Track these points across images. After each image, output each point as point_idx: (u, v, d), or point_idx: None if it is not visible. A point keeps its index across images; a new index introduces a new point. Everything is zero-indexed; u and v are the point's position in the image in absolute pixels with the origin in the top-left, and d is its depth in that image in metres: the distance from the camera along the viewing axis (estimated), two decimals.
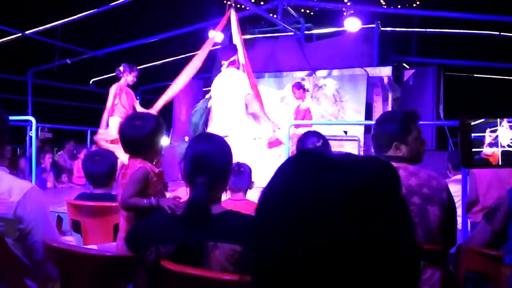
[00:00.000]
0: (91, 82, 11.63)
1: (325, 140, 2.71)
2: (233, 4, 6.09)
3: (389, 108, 8.27)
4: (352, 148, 7.09)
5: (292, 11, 9.27)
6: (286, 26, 8.86)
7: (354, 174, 0.56)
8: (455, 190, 3.18)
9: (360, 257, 0.53)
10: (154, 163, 2.14)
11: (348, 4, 9.42)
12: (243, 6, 8.22)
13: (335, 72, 8.10)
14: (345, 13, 9.37)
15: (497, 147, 1.55)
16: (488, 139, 1.55)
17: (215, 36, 6.46)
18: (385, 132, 2.02)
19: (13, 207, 1.62)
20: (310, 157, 0.62)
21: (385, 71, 7.88)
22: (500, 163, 1.57)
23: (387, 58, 8.93)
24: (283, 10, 9.03)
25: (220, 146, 1.62)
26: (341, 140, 7.41)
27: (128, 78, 5.69)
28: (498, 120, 1.55)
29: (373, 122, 2.69)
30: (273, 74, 8.66)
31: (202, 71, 6.80)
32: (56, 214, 3.29)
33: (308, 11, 10.35)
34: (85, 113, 11.94)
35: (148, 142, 2.09)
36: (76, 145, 8.58)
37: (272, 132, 4.66)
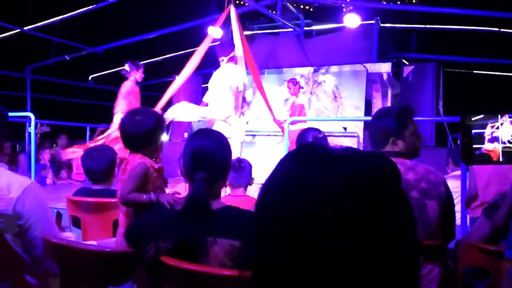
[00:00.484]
0: (90, 79, 11.61)
1: (325, 137, 2.71)
2: (232, 0, 6.08)
3: (389, 104, 8.26)
4: (351, 144, 7.08)
5: (291, 7, 9.26)
6: (286, 22, 8.85)
7: (355, 168, 0.56)
8: (455, 185, 3.19)
9: (361, 251, 0.52)
10: (154, 159, 2.14)
11: (348, 0, 9.39)
12: (242, 2, 8.21)
13: (335, 68, 8.09)
14: (344, 9, 9.36)
15: (498, 142, 1.55)
16: (493, 135, 1.55)
17: (214, 32, 6.45)
18: (382, 128, 2.02)
19: (12, 203, 1.62)
20: (310, 151, 0.61)
21: (385, 67, 7.87)
22: (501, 160, 1.57)
23: (386, 54, 8.93)
24: (282, 6, 9.01)
25: (219, 142, 1.62)
26: (341, 136, 7.41)
27: (137, 75, 5.64)
28: (499, 116, 1.55)
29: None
30: (273, 71, 8.65)
31: (201, 67, 6.80)
32: (56, 210, 3.29)
33: (307, 7, 10.34)
34: (84, 109, 11.93)
35: (149, 138, 2.09)
36: (75, 142, 8.57)
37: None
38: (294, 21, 9.28)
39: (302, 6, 10.04)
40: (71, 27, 8.96)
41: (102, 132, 8.50)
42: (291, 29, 9.18)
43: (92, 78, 11.62)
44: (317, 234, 0.52)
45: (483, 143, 1.57)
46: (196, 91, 9.25)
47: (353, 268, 0.52)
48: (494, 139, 1.55)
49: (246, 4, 8.17)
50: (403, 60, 10.09)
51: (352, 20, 8.11)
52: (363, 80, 7.71)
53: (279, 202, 0.57)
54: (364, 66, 7.77)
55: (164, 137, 2.49)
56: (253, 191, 2.75)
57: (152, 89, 11.90)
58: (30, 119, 4.87)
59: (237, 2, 8.27)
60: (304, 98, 7.01)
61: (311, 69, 8.19)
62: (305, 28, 9.50)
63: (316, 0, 9.73)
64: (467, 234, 2.19)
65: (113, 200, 2.60)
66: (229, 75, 4.59)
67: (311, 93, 8.06)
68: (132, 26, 9.67)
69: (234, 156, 1.99)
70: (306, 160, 0.59)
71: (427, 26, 9.77)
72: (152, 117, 2.10)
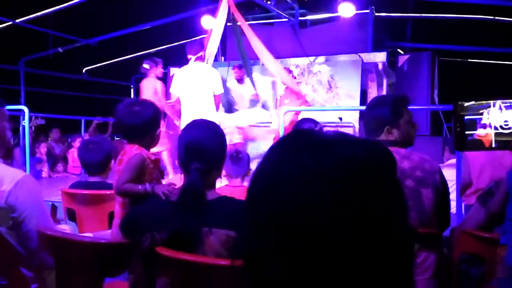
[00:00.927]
0: (84, 71, 11.54)
1: (321, 128, 2.72)
2: None
3: (384, 94, 8.25)
4: None
5: None
6: (280, 12, 8.79)
7: (350, 154, 0.54)
8: (450, 174, 3.19)
9: (356, 239, 0.51)
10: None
11: None
12: None
13: (330, 58, 8.06)
14: None
15: (491, 128, 1.55)
16: (486, 121, 1.55)
17: (208, 23, 6.45)
18: (377, 117, 2.02)
19: (4, 196, 1.62)
20: (303, 136, 0.59)
21: (380, 57, 7.85)
22: (493, 145, 1.57)
23: (381, 43, 8.90)
24: None
25: (213, 132, 1.62)
26: (336, 126, 7.40)
27: (157, 72, 5.57)
28: (491, 102, 1.55)
29: None
30: None
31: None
32: (51, 203, 3.28)
33: None
34: (78, 102, 11.86)
35: (146, 129, 2.08)
36: (71, 135, 8.54)
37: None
38: (288, 11, 9.23)
39: None
40: (64, 19, 8.88)
41: (99, 125, 8.48)
42: (286, 19, 9.13)
43: (86, 70, 11.55)
44: (312, 223, 0.51)
45: (475, 129, 1.57)
46: None
47: (348, 257, 0.51)
48: (486, 125, 1.55)
49: None
50: (398, 50, 10.06)
51: (346, 10, 8.07)
52: (358, 69, 7.69)
53: (271, 189, 0.55)
54: (359, 56, 7.75)
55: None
56: None
57: None
58: (24, 112, 4.84)
59: None
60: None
61: (306, 59, 8.15)
62: (300, 18, 9.44)
63: None
64: (462, 222, 2.20)
65: (108, 192, 2.60)
66: (209, 80, 4.67)
67: (306, 83, 8.04)
68: (126, 17, 9.60)
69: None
70: (298, 146, 0.57)
71: (422, 15, 9.74)
72: (149, 108, 2.10)
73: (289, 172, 0.54)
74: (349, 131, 7.21)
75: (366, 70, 7.82)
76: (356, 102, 7.56)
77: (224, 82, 5.54)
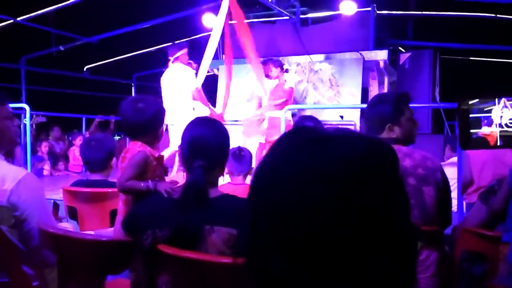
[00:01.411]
0: (85, 69, 11.53)
1: (321, 125, 2.71)
2: None
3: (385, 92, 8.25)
4: None
5: None
6: (282, 10, 8.78)
7: (352, 152, 0.54)
8: (451, 172, 3.19)
9: (358, 238, 0.51)
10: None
11: None
12: None
13: (331, 56, 8.05)
14: None
15: (496, 126, 1.54)
16: (497, 120, 1.54)
17: (209, 21, 6.45)
18: (378, 114, 2.02)
19: (6, 194, 1.62)
20: (303, 134, 0.59)
21: (381, 55, 7.83)
22: (498, 144, 1.57)
23: (383, 41, 8.87)
24: None
25: (216, 130, 1.62)
26: (337, 125, 7.39)
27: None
28: (496, 99, 1.54)
29: None
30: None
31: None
32: (52, 201, 3.28)
33: None
34: (79, 100, 11.86)
35: (149, 126, 2.08)
36: (72, 133, 8.54)
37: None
38: (290, 9, 9.21)
39: None
40: (65, 17, 8.87)
41: (101, 123, 8.48)
42: (287, 17, 9.11)
43: (87, 68, 11.54)
44: (312, 223, 0.51)
45: (480, 127, 1.56)
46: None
47: (349, 256, 0.51)
48: (490, 123, 1.54)
49: None
50: (400, 48, 10.04)
51: (348, 7, 8.05)
52: (359, 68, 7.67)
53: (271, 189, 0.55)
54: (361, 54, 7.73)
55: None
56: None
57: (148, 79, 11.85)
58: (26, 110, 4.84)
59: None
60: (291, 81, 6.31)
61: (308, 57, 8.14)
62: (301, 16, 9.42)
63: None
64: (464, 220, 2.20)
65: (109, 190, 2.60)
66: (183, 80, 5.02)
67: (307, 81, 8.03)
68: (127, 16, 9.58)
69: None
70: (298, 144, 0.57)
71: (424, 12, 9.72)
72: (153, 105, 2.09)
73: (288, 171, 0.54)
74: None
75: (368, 68, 7.81)
76: (357, 100, 7.55)
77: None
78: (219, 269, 1.36)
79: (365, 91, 7.79)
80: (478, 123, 1.55)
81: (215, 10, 6.43)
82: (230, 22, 6.47)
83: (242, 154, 2.81)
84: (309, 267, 0.51)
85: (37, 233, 1.69)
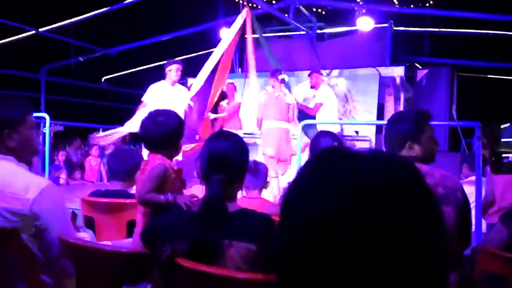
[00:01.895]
0: (103, 80, 11.70)
1: (339, 140, 2.70)
2: (246, 3, 6.13)
3: (401, 108, 8.19)
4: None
5: (304, 10, 9.24)
6: (298, 25, 8.83)
7: (379, 169, 0.56)
8: (469, 192, 3.15)
9: (388, 259, 0.51)
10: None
11: (361, 3, 9.34)
12: (255, 5, 8.21)
13: (347, 71, 8.05)
14: (357, 12, 9.31)
15: None
16: None
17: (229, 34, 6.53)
18: (398, 132, 2.01)
19: (29, 203, 1.63)
20: (333, 153, 0.61)
21: (398, 71, 7.81)
22: None
23: (399, 57, 8.85)
24: (295, 9, 8.99)
25: (236, 144, 1.62)
26: (353, 140, 7.35)
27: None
28: None
29: (384, 122, 2.68)
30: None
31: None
32: (71, 211, 3.31)
33: (320, 10, 10.29)
34: (97, 110, 12.02)
35: (169, 139, 2.10)
36: (88, 143, 8.64)
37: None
38: (306, 24, 9.26)
39: (314, 9, 10.00)
40: (85, 29, 9.05)
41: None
42: (304, 32, 9.16)
43: (105, 79, 11.71)
44: (339, 235, 0.52)
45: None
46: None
47: (380, 275, 0.51)
48: None
49: (259, 7, 8.17)
50: (416, 64, 10.01)
51: (365, 23, 8.08)
52: (375, 83, 7.65)
53: (301, 202, 0.57)
54: (377, 70, 7.72)
55: None
56: (267, 194, 2.75)
57: None
58: (45, 119, 4.92)
59: (250, 5, 8.27)
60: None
61: (324, 72, 8.16)
62: (318, 31, 9.47)
63: (329, 3, 9.69)
64: (484, 241, 2.16)
65: (127, 201, 2.61)
66: (179, 96, 5.35)
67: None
68: (145, 28, 9.73)
69: None
70: (329, 161, 0.59)
71: (441, 29, 9.69)
72: (173, 119, 2.12)
73: (317, 186, 0.56)
74: (365, 145, 7.15)
75: (384, 84, 7.78)
76: (373, 116, 7.52)
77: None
78: (236, 284, 1.35)
79: (380, 107, 7.76)
80: (509, 147, 1.53)
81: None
82: (246, 36, 6.57)
83: (257, 168, 2.80)
84: (340, 284, 0.52)
85: (57, 242, 1.71)
